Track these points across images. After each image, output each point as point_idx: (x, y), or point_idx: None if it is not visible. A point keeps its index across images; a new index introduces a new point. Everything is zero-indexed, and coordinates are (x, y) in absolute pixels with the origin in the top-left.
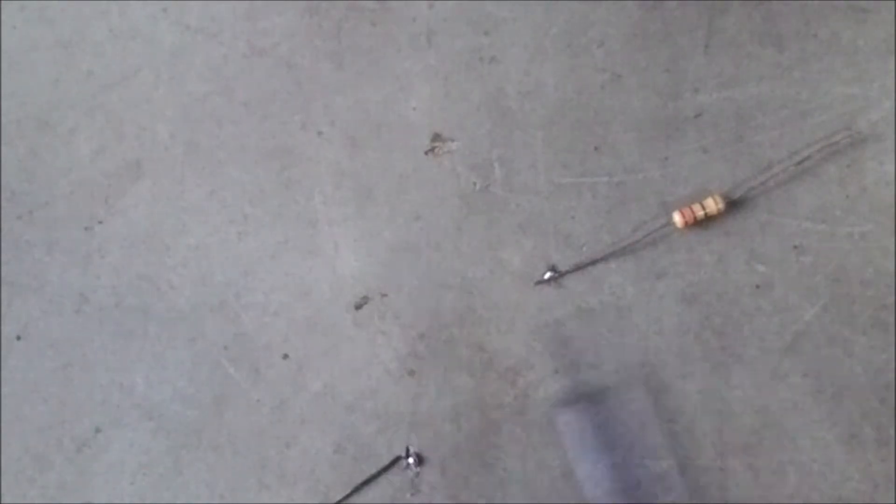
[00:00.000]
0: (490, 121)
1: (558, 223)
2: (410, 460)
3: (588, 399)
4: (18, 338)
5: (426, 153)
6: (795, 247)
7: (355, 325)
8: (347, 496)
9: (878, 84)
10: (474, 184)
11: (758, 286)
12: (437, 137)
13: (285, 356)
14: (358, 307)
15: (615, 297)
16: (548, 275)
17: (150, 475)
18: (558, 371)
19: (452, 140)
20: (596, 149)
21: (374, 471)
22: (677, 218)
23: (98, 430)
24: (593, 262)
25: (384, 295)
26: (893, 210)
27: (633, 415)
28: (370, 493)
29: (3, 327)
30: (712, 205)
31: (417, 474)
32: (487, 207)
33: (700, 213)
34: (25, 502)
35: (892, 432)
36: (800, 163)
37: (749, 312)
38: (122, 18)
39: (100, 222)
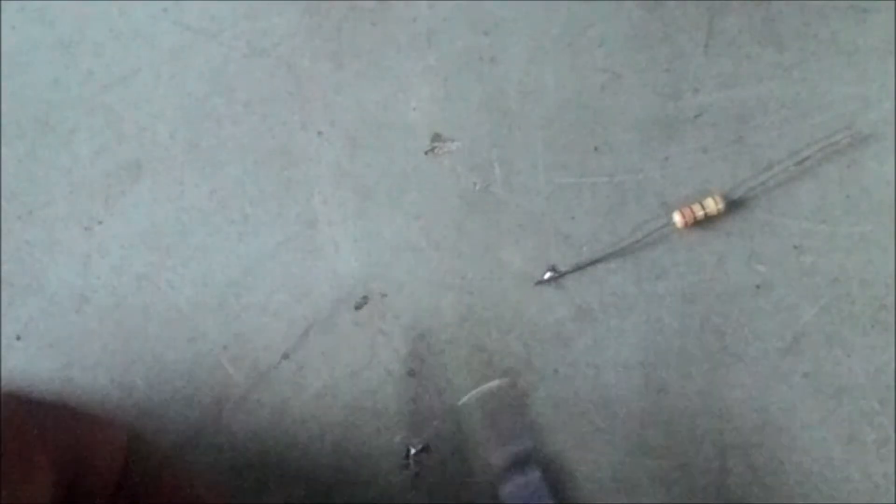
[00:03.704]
0: (490, 121)
1: (558, 223)
2: (410, 460)
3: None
4: (18, 338)
5: (426, 153)
6: (795, 247)
7: (355, 325)
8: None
9: (878, 84)
10: (474, 184)
11: (758, 286)
12: (437, 137)
13: (285, 356)
14: (358, 307)
15: (615, 297)
16: (548, 275)
17: None
18: (558, 371)
19: (452, 140)
20: (596, 149)
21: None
22: (677, 218)
23: None
24: (593, 262)
25: (384, 295)
26: (893, 210)
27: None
28: (370, 492)
29: (3, 327)
30: (712, 205)
31: (417, 474)
32: (487, 207)
33: (700, 213)
34: None
35: (892, 432)
36: (800, 163)
37: (749, 312)
38: (122, 18)
39: (100, 222)
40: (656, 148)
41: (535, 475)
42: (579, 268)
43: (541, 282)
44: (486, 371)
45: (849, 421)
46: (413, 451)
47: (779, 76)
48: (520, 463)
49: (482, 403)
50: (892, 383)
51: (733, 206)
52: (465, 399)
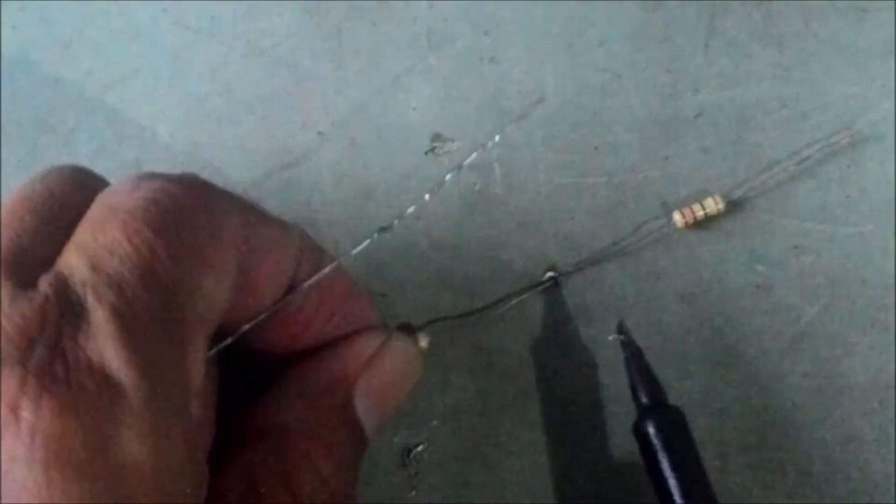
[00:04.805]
0: (490, 121)
1: (558, 223)
2: (410, 460)
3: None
4: None
5: (426, 153)
6: (795, 247)
7: None
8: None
9: (878, 84)
10: (474, 184)
11: (758, 286)
12: (437, 137)
13: None
14: None
15: (615, 297)
16: (548, 275)
17: None
18: (558, 371)
19: (452, 140)
20: (596, 149)
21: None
22: (677, 218)
23: None
24: (593, 263)
25: (384, 295)
26: (893, 210)
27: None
28: (370, 492)
29: None
30: (712, 205)
31: (417, 474)
32: (487, 207)
33: (700, 213)
34: None
35: (892, 432)
36: (800, 163)
37: (749, 312)
38: (122, 18)
39: None
40: (656, 148)
41: (674, 412)
42: (579, 268)
43: (540, 281)
44: (486, 371)
45: (849, 421)
46: (413, 451)
47: (779, 76)
48: (661, 399)
49: (627, 338)
50: (892, 383)
51: (733, 206)
52: (611, 337)
